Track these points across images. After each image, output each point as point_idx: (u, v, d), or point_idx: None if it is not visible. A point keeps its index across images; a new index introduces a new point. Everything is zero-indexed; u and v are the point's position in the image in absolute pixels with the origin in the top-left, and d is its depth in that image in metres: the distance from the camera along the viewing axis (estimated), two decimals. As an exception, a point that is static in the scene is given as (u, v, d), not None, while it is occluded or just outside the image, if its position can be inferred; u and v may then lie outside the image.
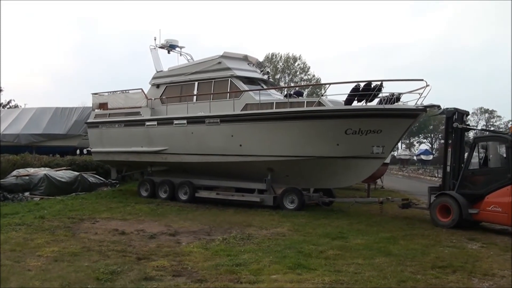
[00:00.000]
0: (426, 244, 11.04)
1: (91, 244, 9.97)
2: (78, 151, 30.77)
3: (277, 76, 67.12)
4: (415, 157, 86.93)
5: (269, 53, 71.91)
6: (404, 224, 14.09)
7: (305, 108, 15.84)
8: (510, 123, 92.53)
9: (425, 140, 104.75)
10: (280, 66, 71.75)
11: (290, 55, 72.38)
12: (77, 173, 21.28)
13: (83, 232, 11.32)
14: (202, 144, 17.50)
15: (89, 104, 25.19)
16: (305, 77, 71.40)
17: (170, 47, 21.18)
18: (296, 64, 72.52)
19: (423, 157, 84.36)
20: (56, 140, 31.96)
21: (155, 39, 20.75)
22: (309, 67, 72.53)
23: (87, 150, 30.62)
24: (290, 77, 71.38)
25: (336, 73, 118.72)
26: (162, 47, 21.02)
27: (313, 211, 16.04)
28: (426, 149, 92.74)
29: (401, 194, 24.06)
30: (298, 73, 72.49)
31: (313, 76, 71.56)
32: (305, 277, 7.69)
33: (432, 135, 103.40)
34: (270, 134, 16.21)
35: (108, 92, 21.63)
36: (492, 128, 71.34)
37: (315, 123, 15.56)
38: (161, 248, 9.83)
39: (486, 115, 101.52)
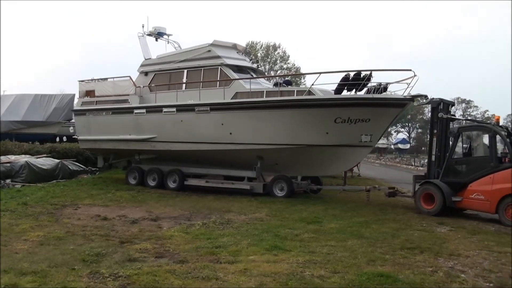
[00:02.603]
0: (396, 227, 11.55)
1: (74, 229, 10.21)
2: (57, 139, 30.64)
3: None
4: (392, 146, 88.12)
5: (249, 41, 72.01)
6: (377, 210, 14.57)
7: (295, 97, 16.02)
8: (487, 113, 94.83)
9: (402, 129, 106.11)
10: (260, 54, 71.80)
11: (271, 43, 72.49)
12: (57, 161, 21.24)
13: (66, 218, 11.55)
14: (192, 132, 17.56)
15: (68, 91, 25.04)
16: (285, 66, 71.67)
17: (158, 34, 21.08)
18: (276, 52, 72.69)
19: (400, 146, 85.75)
20: (35, 127, 31.65)
21: (143, 27, 20.67)
22: (288, 56, 72.78)
23: (67, 138, 30.75)
24: (270, 65, 71.55)
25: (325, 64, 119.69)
26: (150, 34, 20.92)
27: (290, 197, 16.40)
28: (404, 138, 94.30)
29: (377, 181, 24.66)
30: (278, 61, 72.70)
31: (293, 65, 71.90)
32: (280, 257, 8.13)
33: (409, 124, 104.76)
34: (260, 122, 16.37)
35: (94, 79, 21.58)
36: (469, 118, 72.52)
37: (305, 111, 15.77)
38: (143, 232, 10.14)
39: (463, 105, 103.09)
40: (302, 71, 65.96)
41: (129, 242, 9.18)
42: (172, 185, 18.40)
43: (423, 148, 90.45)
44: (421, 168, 42.89)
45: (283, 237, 9.85)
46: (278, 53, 72.32)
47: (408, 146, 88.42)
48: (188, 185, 18.33)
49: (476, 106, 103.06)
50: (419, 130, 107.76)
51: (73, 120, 32.57)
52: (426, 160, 49.32)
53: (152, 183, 18.90)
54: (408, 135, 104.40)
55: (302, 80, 46.87)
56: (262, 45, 72.18)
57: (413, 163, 50.41)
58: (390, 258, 8.36)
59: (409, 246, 9.43)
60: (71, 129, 32.52)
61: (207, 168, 18.45)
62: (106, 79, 21.43)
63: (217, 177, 18.38)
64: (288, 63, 71.96)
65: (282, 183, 16.77)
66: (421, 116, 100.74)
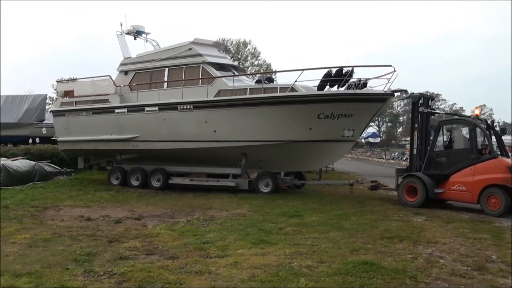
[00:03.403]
0: (375, 219, 11.96)
1: (60, 230, 10.18)
2: (30, 140, 30.14)
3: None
4: (363, 140, 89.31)
5: (219, 38, 71.71)
6: (354, 202, 14.97)
7: (279, 94, 16.18)
8: (455, 105, 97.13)
9: (372, 124, 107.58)
10: (231, 51, 71.69)
11: (241, 40, 72.53)
12: (33, 163, 20.95)
13: (50, 220, 11.47)
14: (175, 131, 17.54)
15: (36, 91, 24.60)
16: (256, 62, 71.82)
17: (137, 33, 20.96)
18: (247, 49, 72.75)
19: (370, 139, 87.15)
20: (7, 129, 30.97)
21: (121, 25, 20.57)
22: (259, 52, 73.02)
23: (40, 139, 30.28)
24: (240, 62, 71.51)
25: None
26: (128, 33, 20.79)
27: (275, 193, 16.66)
28: (374, 132, 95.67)
29: (351, 175, 25.23)
30: (249, 58, 72.77)
31: (264, 61, 72.09)
32: (268, 250, 8.38)
33: (379, 118, 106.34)
34: (244, 119, 16.46)
35: (72, 79, 21.31)
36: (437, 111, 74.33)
37: (289, 108, 15.95)
38: (129, 231, 10.19)
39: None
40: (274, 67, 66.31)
41: (117, 241, 9.24)
42: (156, 184, 18.32)
43: (393, 142, 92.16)
44: (392, 161, 43.88)
45: (267, 231, 10.09)
46: (249, 49, 72.50)
47: (378, 139, 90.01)
48: (169, 184, 18.28)
49: (444, 100, 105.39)
50: (389, 124, 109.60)
51: (46, 121, 32.28)
52: (396, 153, 50.38)
53: (135, 183, 18.76)
54: (378, 129, 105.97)
55: (274, 77, 47.09)
56: (232, 42, 72.29)
57: (384, 157, 51.46)
58: (371, 247, 8.69)
59: (389, 235, 9.79)
60: (43, 130, 32.07)
61: (191, 166, 18.41)
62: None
63: (201, 175, 18.41)
64: (259, 60, 72.31)
65: (267, 179, 16.97)
66: (390, 110, 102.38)
